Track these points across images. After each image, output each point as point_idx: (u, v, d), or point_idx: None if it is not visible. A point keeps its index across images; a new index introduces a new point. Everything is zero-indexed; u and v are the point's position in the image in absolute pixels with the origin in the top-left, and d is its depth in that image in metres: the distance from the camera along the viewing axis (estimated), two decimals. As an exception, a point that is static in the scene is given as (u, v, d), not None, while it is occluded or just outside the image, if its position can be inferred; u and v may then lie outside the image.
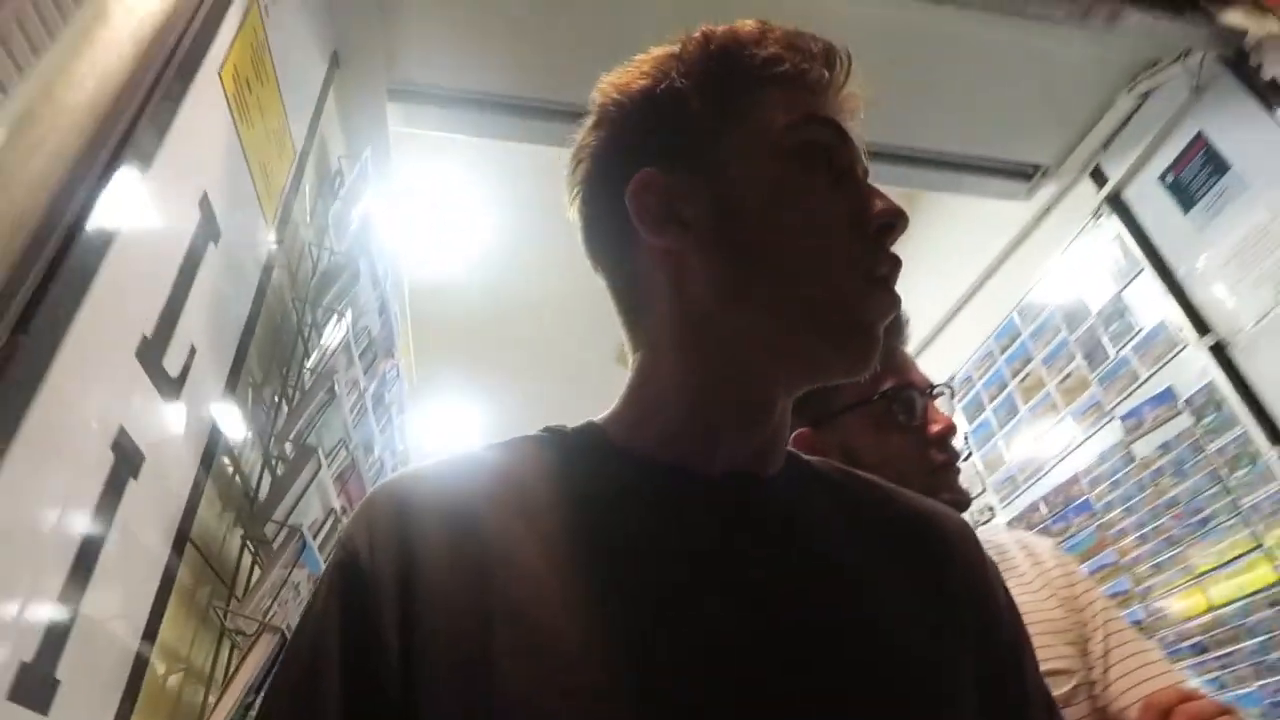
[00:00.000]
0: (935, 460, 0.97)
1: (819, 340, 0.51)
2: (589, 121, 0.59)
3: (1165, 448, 2.03)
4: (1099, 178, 2.32)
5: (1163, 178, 2.11)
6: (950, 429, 0.99)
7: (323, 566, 0.90)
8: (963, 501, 0.97)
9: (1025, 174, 2.47)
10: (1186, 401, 1.98)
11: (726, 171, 0.53)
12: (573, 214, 0.61)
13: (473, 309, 3.26)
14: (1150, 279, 2.10)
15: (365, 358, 1.70)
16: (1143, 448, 2.10)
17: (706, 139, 0.54)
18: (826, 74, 0.54)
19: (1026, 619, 0.60)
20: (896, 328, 1.02)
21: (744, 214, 0.52)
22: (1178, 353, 2.02)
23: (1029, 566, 1.08)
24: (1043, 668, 0.59)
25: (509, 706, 0.41)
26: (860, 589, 0.51)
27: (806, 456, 0.61)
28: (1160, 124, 2.10)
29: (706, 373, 0.53)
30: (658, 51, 0.58)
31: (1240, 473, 1.83)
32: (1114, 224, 2.24)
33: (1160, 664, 0.96)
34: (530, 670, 0.42)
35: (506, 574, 0.45)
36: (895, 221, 0.52)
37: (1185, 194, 2.05)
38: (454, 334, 3.34)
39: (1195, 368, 1.97)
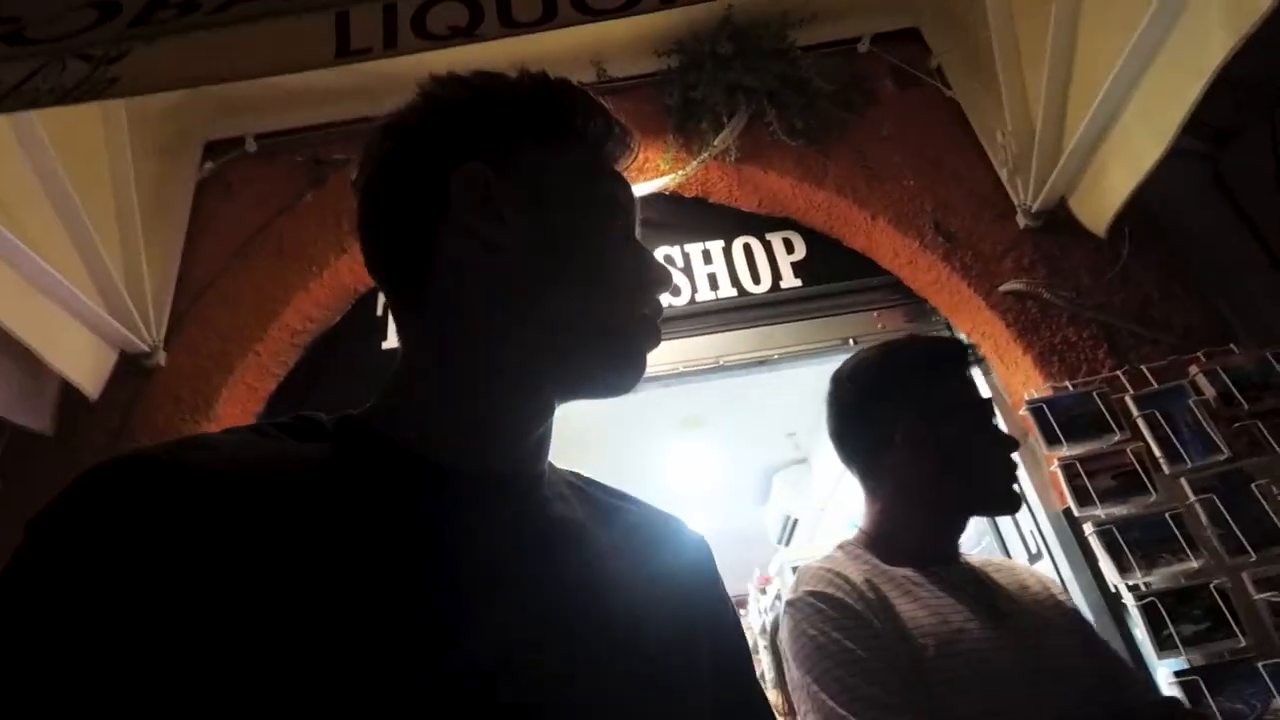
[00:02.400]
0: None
1: (601, 358, 0.59)
2: (414, 101, 0.62)
3: None
4: None
5: None
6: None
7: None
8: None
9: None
10: None
11: (546, 190, 0.60)
12: (362, 182, 0.62)
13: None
14: None
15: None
16: None
17: (532, 154, 0.60)
18: (630, 149, 0.66)
19: None
20: None
21: (556, 231, 0.59)
22: None
23: None
24: None
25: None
26: (620, 588, 0.56)
27: (557, 466, 0.66)
28: None
29: (494, 371, 0.57)
30: (497, 72, 0.64)
31: None
32: None
33: None
34: (306, 678, 0.41)
35: (273, 573, 0.43)
36: (666, 280, 0.64)
37: None
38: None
39: None
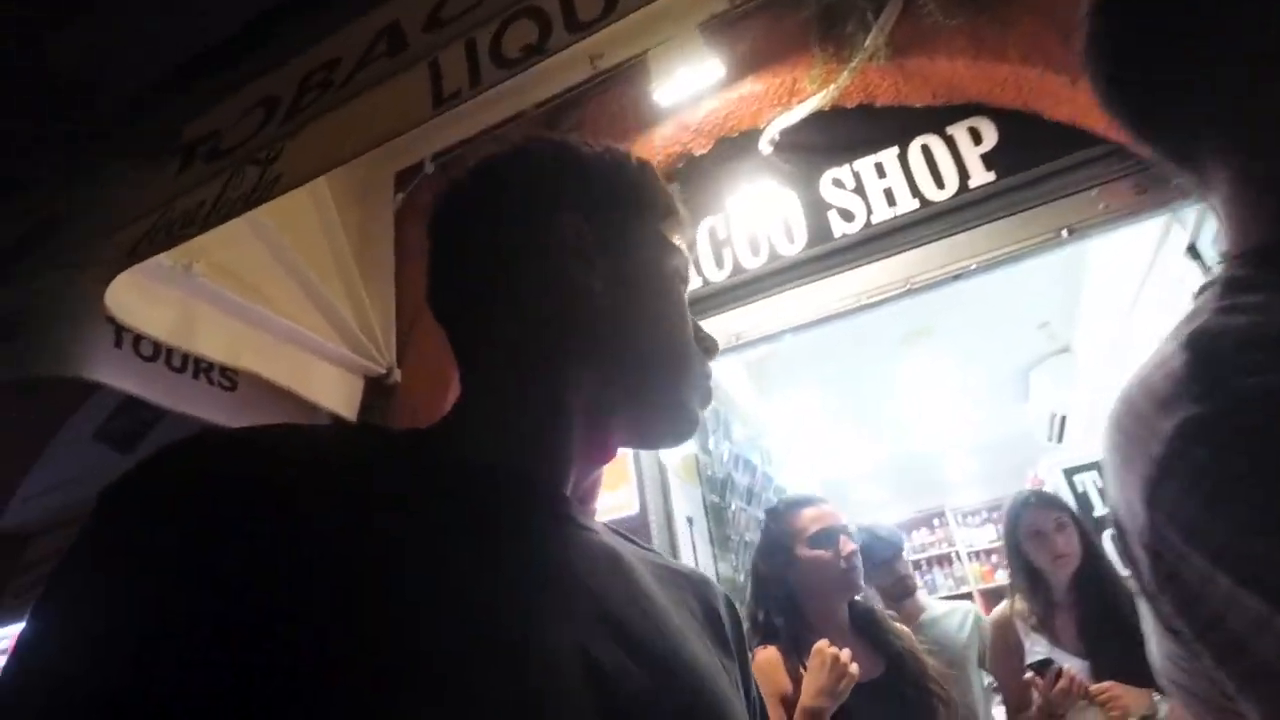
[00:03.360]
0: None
1: (667, 414, 0.65)
2: (506, 151, 0.68)
3: None
4: None
5: None
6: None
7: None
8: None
9: None
10: None
11: (629, 249, 0.65)
12: (448, 220, 0.68)
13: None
14: None
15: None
16: None
17: (617, 216, 0.66)
18: (687, 228, 0.71)
19: None
20: None
21: (638, 287, 0.65)
22: None
23: None
24: None
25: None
26: (674, 621, 0.58)
27: None
28: None
29: (567, 410, 0.61)
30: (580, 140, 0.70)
31: None
32: None
33: None
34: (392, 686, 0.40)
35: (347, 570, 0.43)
36: (715, 347, 0.70)
37: None
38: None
39: None
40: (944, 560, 8.69)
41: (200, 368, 2.41)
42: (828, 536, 1.81)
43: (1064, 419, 5.22)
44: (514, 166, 0.67)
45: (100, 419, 3.28)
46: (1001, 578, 8.04)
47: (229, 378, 2.47)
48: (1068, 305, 4.23)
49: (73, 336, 2.07)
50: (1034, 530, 2.15)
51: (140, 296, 2.00)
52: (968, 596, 8.16)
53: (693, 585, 0.67)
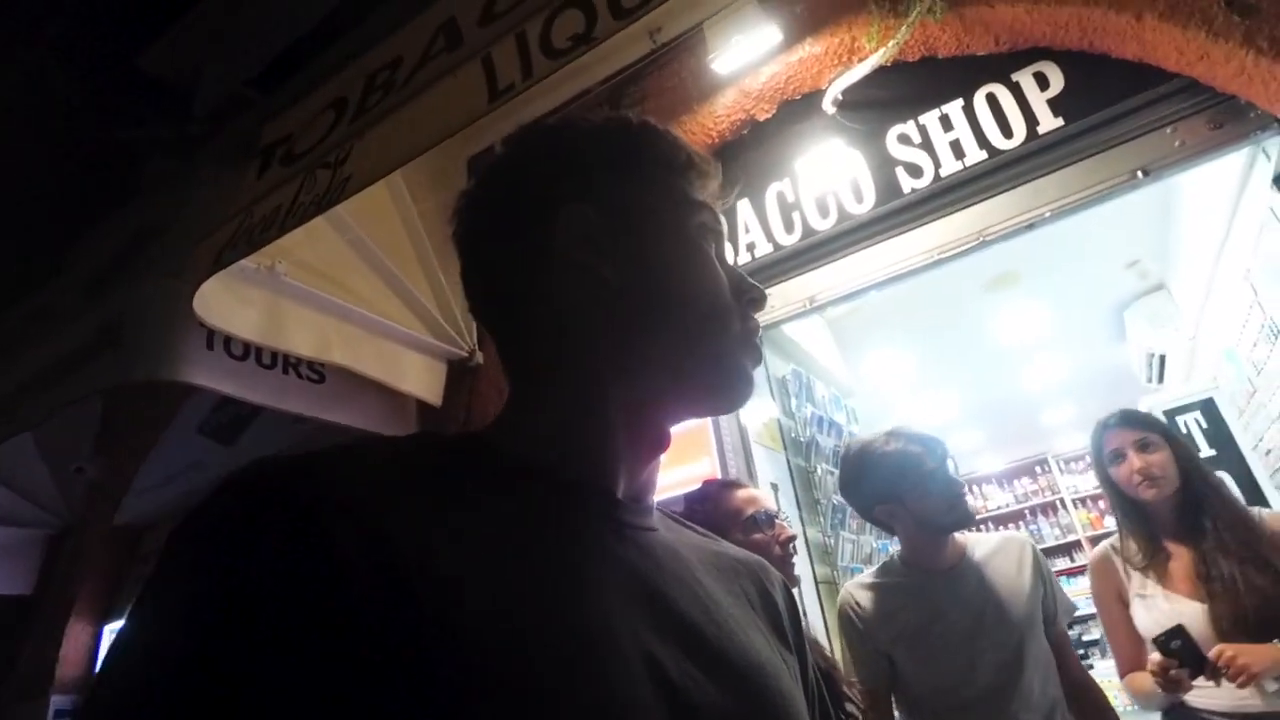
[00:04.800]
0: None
1: (715, 380, 0.62)
2: (504, 152, 0.67)
3: None
4: None
5: None
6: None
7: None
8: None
9: None
10: None
11: (642, 223, 0.63)
12: (463, 229, 0.66)
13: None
14: None
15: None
16: None
17: (623, 190, 0.63)
18: (712, 176, 0.67)
19: None
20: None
21: (657, 263, 0.62)
22: None
23: None
24: None
25: None
26: (734, 619, 0.59)
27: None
28: None
29: (611, 403, 0.59)
30: (577, 116, 0.69)
31: None
32: None
33: None
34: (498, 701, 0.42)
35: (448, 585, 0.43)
36: (762, 299, 0.65)
37: None
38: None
39: None
40: (1049, 509, 8.47)
41: (289, 363, 2.53)
42: (765, 519, 1.68)
43: (1163, 358, 5.02)
44: (510, 168, 0.66)
45: (203, 414, 3.54)
46: (1111, 524, 7.77)
47: (317, 371, 2.59)
48: (1159, 243, 4.07)
49: (169, 342, 2.21)
50: (1116, 450, 1.94)
51: (228, 299, 2.10)
52: (1075, 545, 7.97)
53: (750, 572, 0.68)
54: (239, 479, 0.44)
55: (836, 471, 3.36)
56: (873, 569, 1.97)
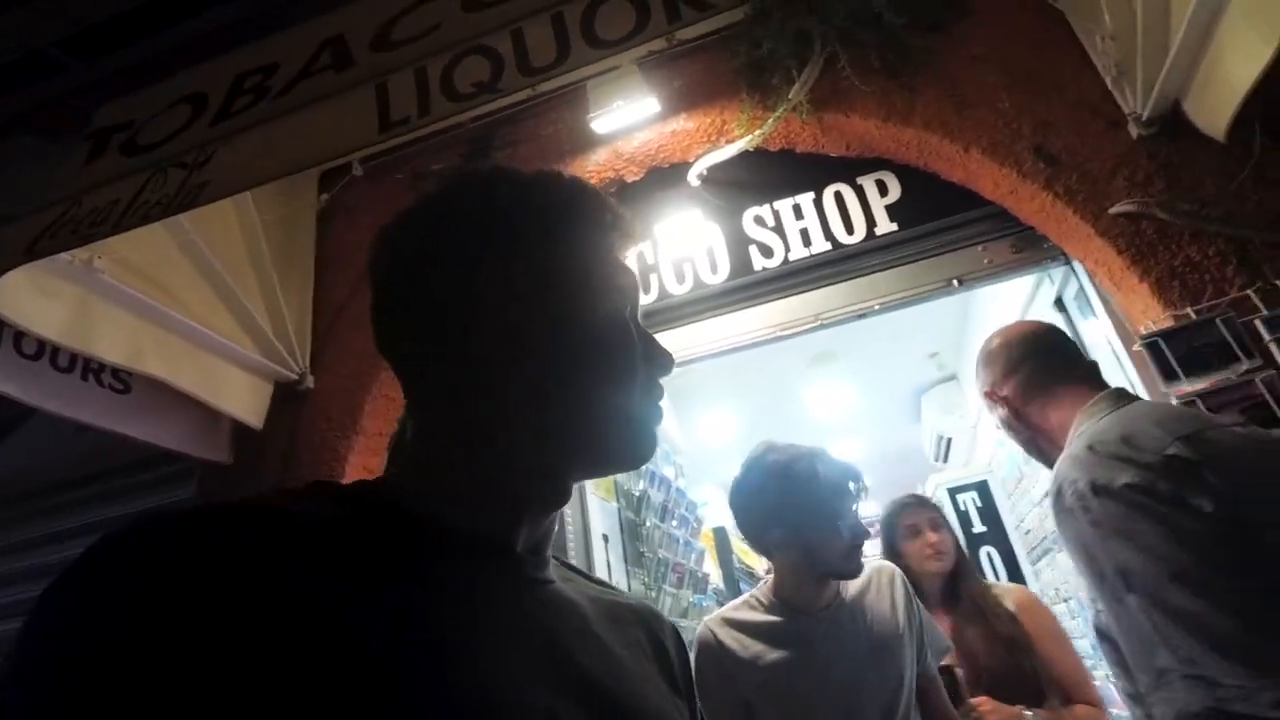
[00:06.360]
0: None
1: (623, 441, 0.63)
2: (431, 195, 0.66)
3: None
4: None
5: None
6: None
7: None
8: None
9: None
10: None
11: (560, 283, 0.62)
12: (381, 271, 0.64)
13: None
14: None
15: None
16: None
17: (546, 247, 0.63)
18: (635, 239, 0.69)
19: None
20: None
21: (578, 326, 0.62)
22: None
23: None
24: None
25: None
26: (631, 671, 0.60)
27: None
28: None
29: (513, 459, 0.59)
30: (507, 167, 0.69)
31: None
32: None
33: None
34: None
35: (334, 646, 0.43)
36: (669, 364, 0.66)
37: None
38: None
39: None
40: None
41: (90, 368, 2.27)
42: None
43: (950, 441, 5.64)
44: (442, 210, 0.64)
45: None
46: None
47: (122, 380, 2.34)
48: (956, 338, 4.61)
49: None
50: (911, 526, 2.19)
51: (34, 292, 1.87)
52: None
53: (641, 620, 0.69)
54: (115, 539, 0.42)
55: (663, 525, 3.47)
56: (736, 601, 1.73)
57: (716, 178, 2.54)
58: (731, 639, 1.60)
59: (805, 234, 2.41)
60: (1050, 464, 1.27)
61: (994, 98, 2.16)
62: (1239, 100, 1.63)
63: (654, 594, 2.92)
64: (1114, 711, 2.01)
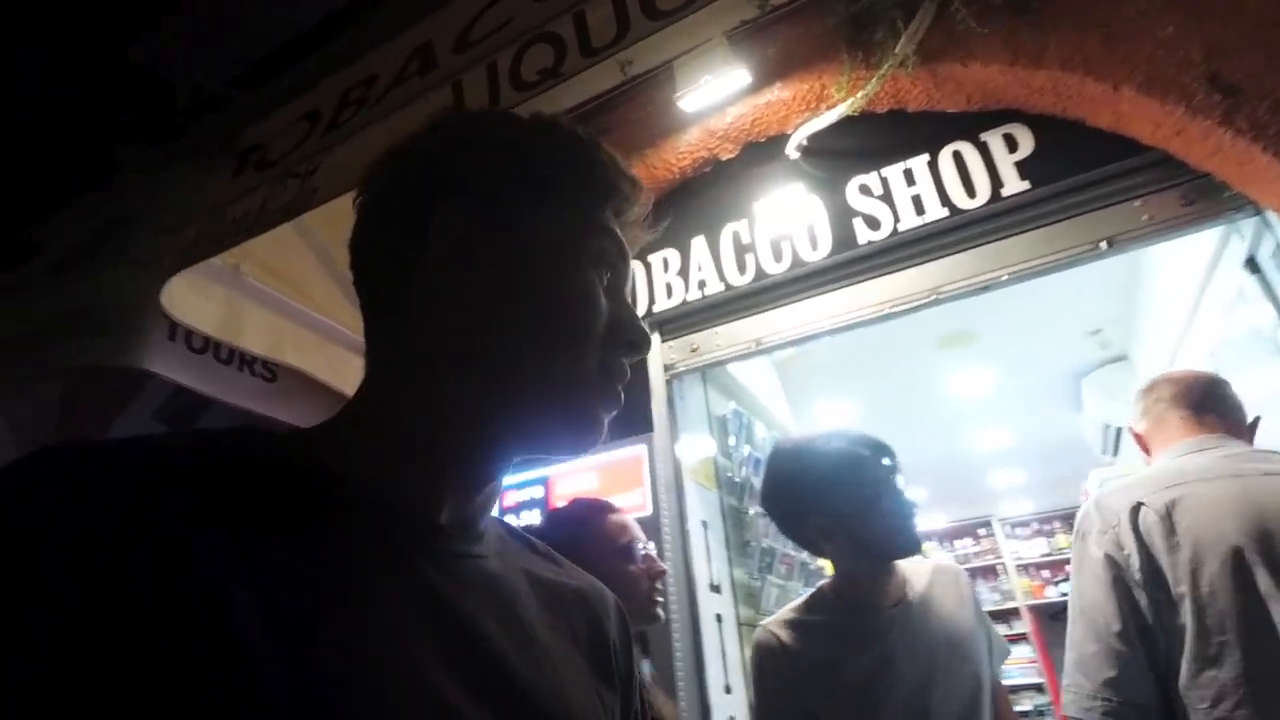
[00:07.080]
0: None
1: (550, 411, 0.56)
2: (420, 130, 0.62)
3: None
4: None
5: None
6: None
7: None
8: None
9: None
10: None
11: (525, 238, 0.57)
12: (358, 202, 0.61)
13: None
14: None
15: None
16: None
17: (519, 200, 0.57)
18: (632, 203, 0.61)
19: None
20: None
21: (523, 278, 0.56)
22: None
23: None
24: None
25: None
26: (548, 657, 0.56)
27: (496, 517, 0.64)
28: None
29: (446, 412, 0.54)
30: (511, 113, 0.64)
31: None
32: None
33: None
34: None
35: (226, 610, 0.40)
36: (643, 345, 0.59)
37: None
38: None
39: None
40: (989, 572, 8.44)
41: (244, 360, 2.67)
42: (636, 550, 1.54)
43: (1119, 431, 5.00)
44: (414, 150, 0.60)
45: (158, 401, 3.46)
46: (1052, 594, 7.77)
47: (270, 370, 2.72)
48: (1123, 313, 4.05)
49: (133, 330, 2.35)
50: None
51: (192, 294, 2.20)
52: (1014, 613, 7.92)
53: (584, 602, 0.65)
54: (19, 465, 0.41)
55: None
56: (797, 602, 1.58)
57: (817, 148, 2.30)
58: (796, 642, 1.47)
59: (918, 201, 2.13)
60: None
61: (1151, 23, 1.79)
62: None
63: (759, 583, 2.74)
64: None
